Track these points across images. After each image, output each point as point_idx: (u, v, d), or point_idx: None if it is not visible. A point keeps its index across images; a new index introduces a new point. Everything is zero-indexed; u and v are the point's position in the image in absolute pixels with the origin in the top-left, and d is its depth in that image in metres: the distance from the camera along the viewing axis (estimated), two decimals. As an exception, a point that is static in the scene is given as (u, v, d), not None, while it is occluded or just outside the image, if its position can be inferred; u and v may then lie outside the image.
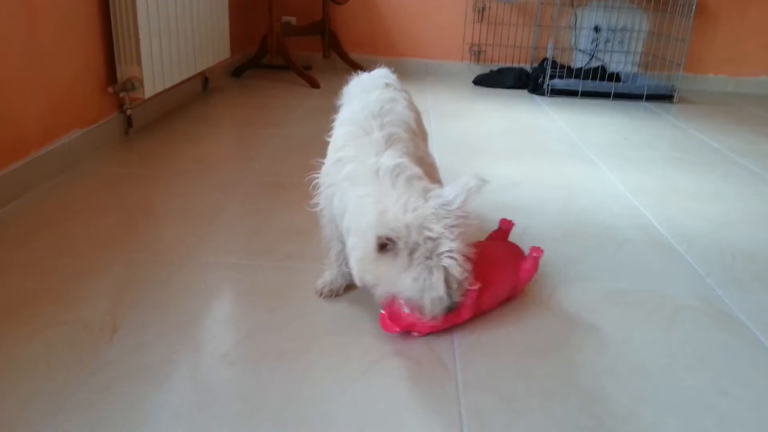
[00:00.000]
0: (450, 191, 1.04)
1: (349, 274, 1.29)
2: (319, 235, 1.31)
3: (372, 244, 0.99)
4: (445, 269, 1.01)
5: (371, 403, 0.99)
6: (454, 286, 1.03)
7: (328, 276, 1.30)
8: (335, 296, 1.28)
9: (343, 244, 1.15)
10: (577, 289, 1.36)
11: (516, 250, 1.32)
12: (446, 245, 1.01)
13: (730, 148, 2.56)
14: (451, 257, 1.01)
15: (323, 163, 1.24)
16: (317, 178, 1.24)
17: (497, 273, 1.23)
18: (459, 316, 1.17)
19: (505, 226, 1.40)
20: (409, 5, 3.84)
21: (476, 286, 1.12)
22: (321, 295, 1.28)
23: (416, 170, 1.10)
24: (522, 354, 1.13)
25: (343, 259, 1.25)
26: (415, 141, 1.22)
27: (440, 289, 1.02)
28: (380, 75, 1.44)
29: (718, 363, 1.13)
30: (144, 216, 1.62)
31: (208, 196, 1.78)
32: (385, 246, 0.99)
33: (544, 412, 0.98)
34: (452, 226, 1.01)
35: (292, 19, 3.82)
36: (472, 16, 3.83)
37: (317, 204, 1.24)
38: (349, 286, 1.31)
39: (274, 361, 1.07)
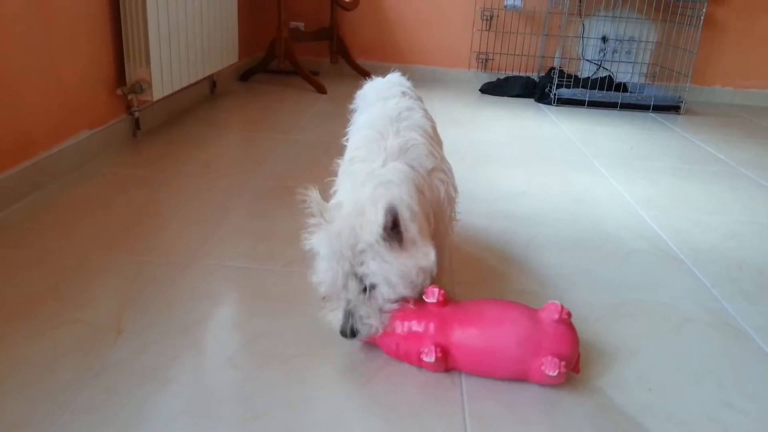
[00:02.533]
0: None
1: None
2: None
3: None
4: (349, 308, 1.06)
5: (376, 409, 0.98)
6: (360, 320, 1.06)
7: None
8: None
9: None
10: (582, 300, 1.36)
11: (527, 311, 1.06)
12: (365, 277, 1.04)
13: (736, 160, 2.55)
14: (353, 309, 1.06)
15: (340, 163, 1.27)
16: (335, 180, 1.26)
17: (480, 323, 1.04)
18: (414, 352, 1.05)
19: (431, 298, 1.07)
20: (417, 12, 3.84)
21: (427, 327, 1.04)
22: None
23: (396, 181, 1.11)
24: (527, 363, 1.12)
25: None
26: (429, 147, 1.22)
27: (338, 320, 1.07)
28: (395, 82, 1.46)
29: (724, 376, 1.12)
30: (150, 218, 1.63)
31: (214, 199, 1.78)
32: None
33: (548, 421, 0.98)
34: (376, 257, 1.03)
35: (301, 25, 3.84)
36: (480, 24, 3.84)
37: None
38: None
39: (278, 366, 1.07)
